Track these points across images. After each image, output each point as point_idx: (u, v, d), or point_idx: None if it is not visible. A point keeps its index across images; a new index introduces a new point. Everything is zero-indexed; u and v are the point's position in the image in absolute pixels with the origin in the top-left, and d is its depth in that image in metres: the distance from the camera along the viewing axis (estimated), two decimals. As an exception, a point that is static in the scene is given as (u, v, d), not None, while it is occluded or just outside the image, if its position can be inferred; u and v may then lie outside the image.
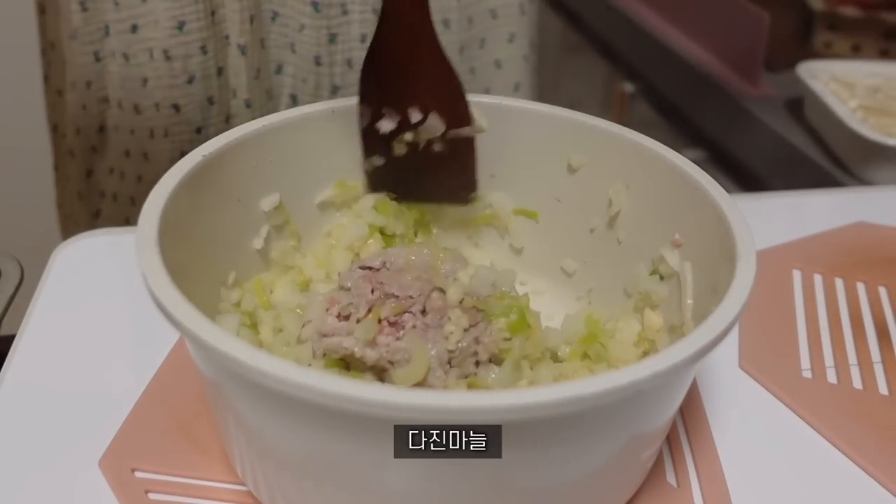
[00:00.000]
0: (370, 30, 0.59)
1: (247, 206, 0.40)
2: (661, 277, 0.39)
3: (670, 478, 0.37)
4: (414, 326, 0.35)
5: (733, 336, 0.46)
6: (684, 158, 0.38)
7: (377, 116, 0.41)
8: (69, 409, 0.40)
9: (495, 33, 0.63)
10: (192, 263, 0.35)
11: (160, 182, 0.34)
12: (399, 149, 0.41)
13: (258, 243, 0.40)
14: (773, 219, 0.57)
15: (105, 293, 0.47)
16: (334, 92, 0.61)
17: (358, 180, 0.43)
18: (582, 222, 0.43)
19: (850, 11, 0.96)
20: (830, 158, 0.78)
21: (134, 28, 0.56)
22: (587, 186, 0.42)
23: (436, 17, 0.59)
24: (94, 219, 0.68)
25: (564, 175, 0.43)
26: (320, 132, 0.41)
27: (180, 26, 0.55)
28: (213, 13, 0.55)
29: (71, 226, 0.70)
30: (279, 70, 0.61)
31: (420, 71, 0.40)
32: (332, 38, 0.59)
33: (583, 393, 0.26)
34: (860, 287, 0.51)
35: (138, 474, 0.36)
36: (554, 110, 0.42)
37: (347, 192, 0.43)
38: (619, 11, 1.13)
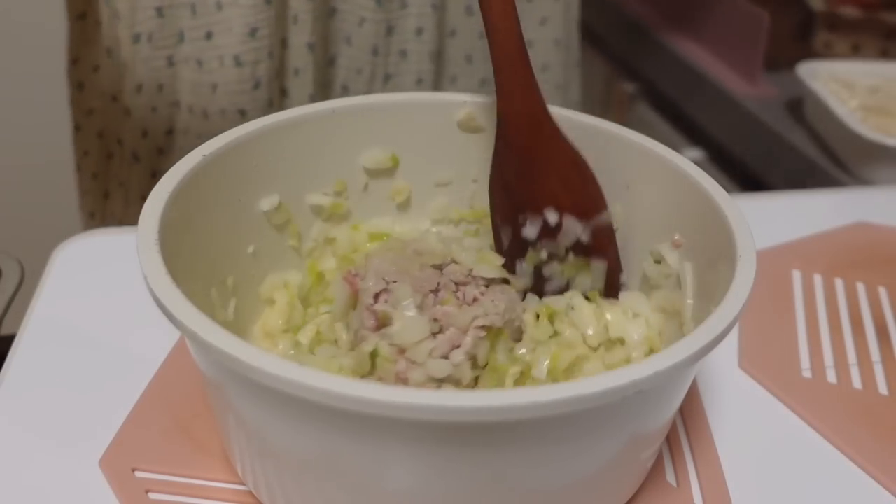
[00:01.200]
0: (426, 23, 0.62)
1: (247, 206, 0.40)
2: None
3: (670, 478, 0.37)
4: (475, 299, 0.36)
5: (733, 336, 0.46)
6: (684, 158, 0.38)
7: (517, 226, 0.39)
8: (69, 409, 0.40)
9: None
10: (193, 263, 0.35)
11: (160, 182, 0.34)
12: (534, 259, 0.40)
13: (251, 250, 0.40)
14: (773, 219, 0.57)
15: (105, 293, 0.47)
16: (387, 80, 0.63)
17: (357, 180, 0.43)
18: (582, 222, 0.43)
19: (850, 11, 0.96)
20: (830, 158, 0.78)
21: (209, 35, 0.57)
22: (587, 186, 0.42)
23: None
24: None
25: (564, 175, 0.43)
26: (321, 132, 0.41)
27: (252, 32, 0.56)
28: (277, 18, 0.57)
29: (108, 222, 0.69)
30: (331, 63, 0.62)
31: (547, 167, 0.38)
32: (390, 31, 0.61)
33: (583, 393, 0.26)
34: (860, 287, 0.51)
35: (138, 474, 0.36)
36: (554, 110, 0.42)
37: (339, 207, 0.43)
38: (619, 11, 1.13)
